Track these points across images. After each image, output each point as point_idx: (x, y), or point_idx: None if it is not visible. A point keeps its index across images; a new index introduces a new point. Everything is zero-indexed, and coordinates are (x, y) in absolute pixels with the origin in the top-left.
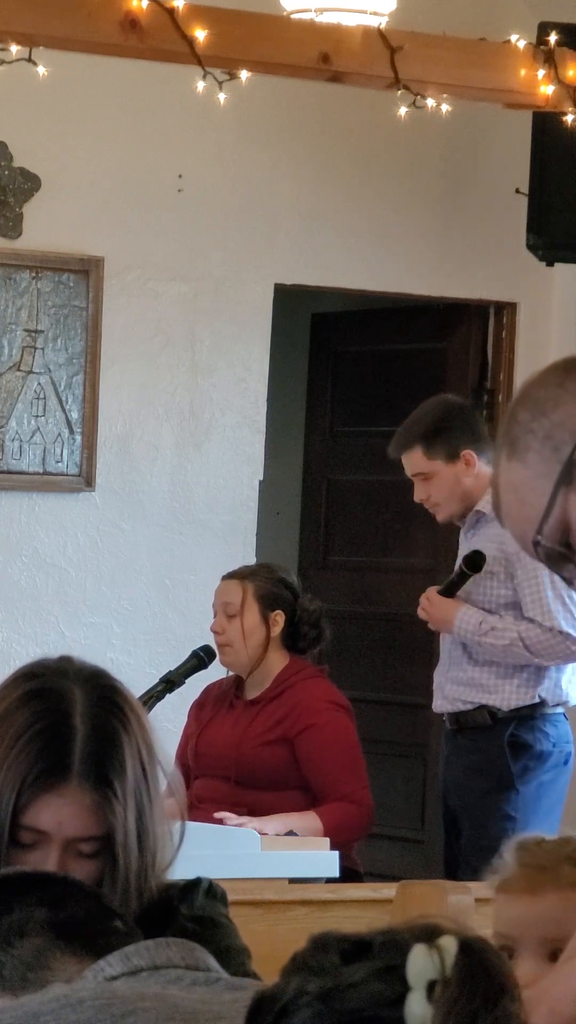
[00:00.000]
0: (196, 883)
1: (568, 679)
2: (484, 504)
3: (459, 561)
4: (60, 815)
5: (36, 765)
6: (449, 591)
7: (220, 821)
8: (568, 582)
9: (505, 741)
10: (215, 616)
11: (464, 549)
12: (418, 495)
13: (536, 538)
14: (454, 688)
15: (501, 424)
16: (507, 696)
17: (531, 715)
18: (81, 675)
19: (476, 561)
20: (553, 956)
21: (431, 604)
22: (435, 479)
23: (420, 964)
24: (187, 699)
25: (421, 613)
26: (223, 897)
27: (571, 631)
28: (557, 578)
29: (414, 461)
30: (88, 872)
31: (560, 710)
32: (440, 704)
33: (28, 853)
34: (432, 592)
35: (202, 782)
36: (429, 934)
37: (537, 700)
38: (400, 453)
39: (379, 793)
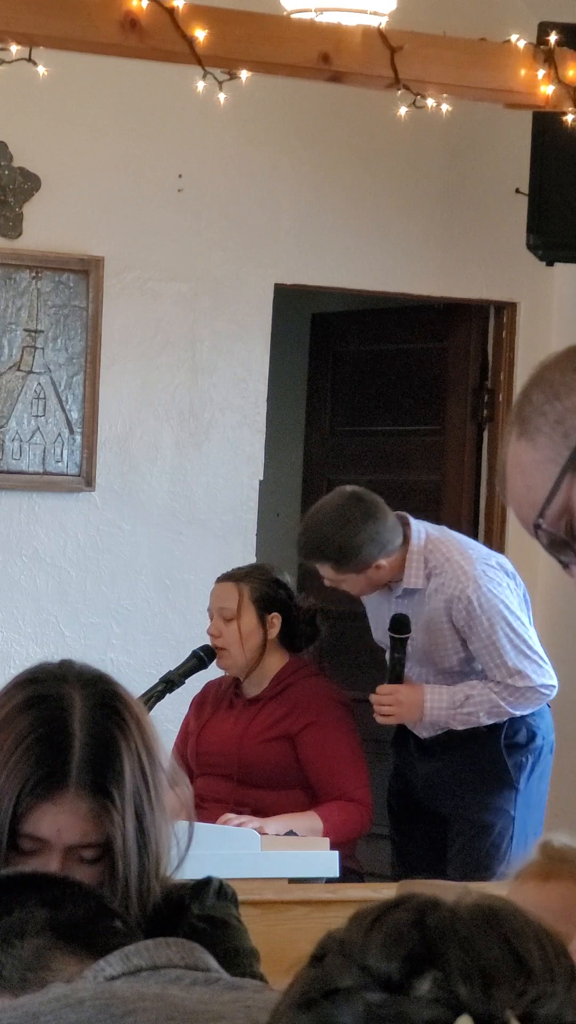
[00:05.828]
0: (207, 882)
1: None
2: (412, 582)
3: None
4: (59, 823)
5: (34, 773)
6: (397, 673)
7: (225, 823)
8: (565, 567)
9: (502, 741)
10: (211, 620)
11: (392, 611)
12: (327, 583)
13: (538, 521)
14: None
15: (514, 402)
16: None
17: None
18: (81, 680)
19: (402, 623)
20: None
21: (394, 698)
22: (346, 582)
23: None
24: (187, 699)
25: (385, 717)
26: (233, 898)
27: (542, 681)
28: (510, 626)
29: (324, 571)
30: (90, 877)
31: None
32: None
33: (29, 859)
34: (386, 687)
35: (204, 781)
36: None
37: None
38: (309, 561)
39: (380, 792)
